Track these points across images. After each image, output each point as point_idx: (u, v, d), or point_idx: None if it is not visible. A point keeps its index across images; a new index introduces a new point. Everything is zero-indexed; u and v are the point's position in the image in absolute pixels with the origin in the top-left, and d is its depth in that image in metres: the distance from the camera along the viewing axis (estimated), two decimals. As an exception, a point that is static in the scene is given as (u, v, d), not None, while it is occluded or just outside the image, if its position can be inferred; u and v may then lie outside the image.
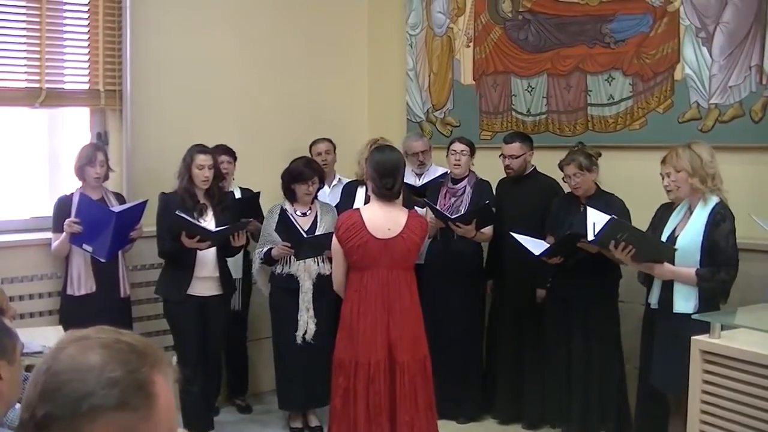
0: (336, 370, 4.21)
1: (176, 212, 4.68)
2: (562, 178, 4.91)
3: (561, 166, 4.87)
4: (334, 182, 5.93)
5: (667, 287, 4.13)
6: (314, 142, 5.98)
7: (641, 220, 4.51)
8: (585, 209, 4.67)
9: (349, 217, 4.17)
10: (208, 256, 4.92)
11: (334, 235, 4.21)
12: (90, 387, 1.20)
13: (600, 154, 4.86)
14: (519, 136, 5.33)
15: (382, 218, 4.08)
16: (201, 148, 4.94)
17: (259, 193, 5.47)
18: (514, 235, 4.80)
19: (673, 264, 4.09)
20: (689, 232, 4.06)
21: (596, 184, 4.86)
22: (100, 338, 1.27)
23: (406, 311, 4.13)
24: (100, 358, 1.23)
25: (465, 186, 5.39)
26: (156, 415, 1.24)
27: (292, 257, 5.06)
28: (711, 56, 4.72)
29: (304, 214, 5.19)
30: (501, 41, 5.87)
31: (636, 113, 5.10)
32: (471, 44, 6.08)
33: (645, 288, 4.41)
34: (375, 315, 4.09)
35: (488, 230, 5.25)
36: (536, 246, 4.76)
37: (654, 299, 4.24)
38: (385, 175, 4.08)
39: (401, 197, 4.25)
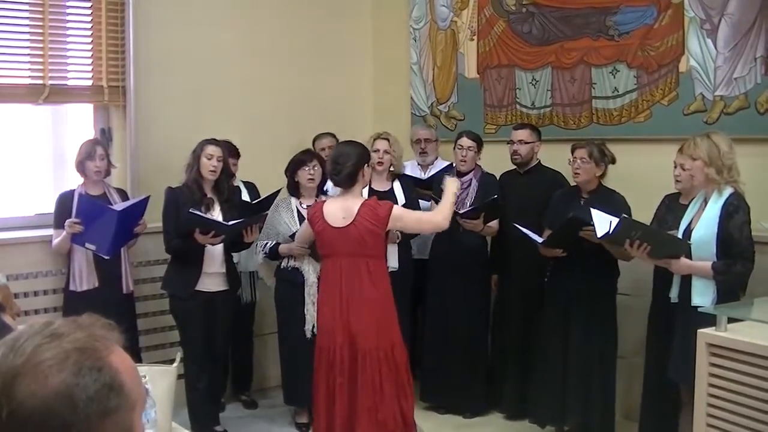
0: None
1: (190, 210, 4.66)
2: (568, 161, 4.87)
3: (573, 148, 4.85)
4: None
5: (686, 281, 4.09)
6: (317, 138, 5.98)
7: (646, 213, 4.50)
8: (585, 204, 4.66)
9: (314, 206, 4.44)
10: (215, 251, 4.90)
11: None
12: (69, 418, 1.12)
13: (614, 161, 4.81)
14: (529, 125, 5.41)
15: (338, 207, 4.28)
16: (211, 140, 4.94)
17: (279, 190, 5.44)
18: (518, 225, 4.79)
19: (690, 258, 4.07)
20: (703, 225, 4.03)
21: (599, 180, 4.83)
22: (46, 361, 1.14)
23: (366, 299, 4.23)
24: (60, 382, 1.12)
25: (471, 179, 5.38)
26: (131, 391, 1.19)
27: None
28: (716, 48, 4.69)
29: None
30: (505, 34, 5.85)
31: (641, 106, 5.09)
32: (475, 38, 6.07)
33: (650, 282, 4.39)
34: (333, 302, 4.24)
35: (494, 224, 5.24)
36: (537, 237, 4.75)
37: (674, 293, 4.20)
38: (333, 162, 4.31)
39: (359, 188, 4.38)
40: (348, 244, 4.22)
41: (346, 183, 4.28)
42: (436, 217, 4.46)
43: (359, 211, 4.22)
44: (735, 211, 3.96)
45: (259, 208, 5.25)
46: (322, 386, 4.24)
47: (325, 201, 4.44)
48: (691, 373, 3.84)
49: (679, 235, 4.14)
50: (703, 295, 4.01)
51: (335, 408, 4.20)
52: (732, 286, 4.02)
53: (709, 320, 3.63)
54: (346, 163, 4.25)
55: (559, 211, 4.87)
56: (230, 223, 4.75)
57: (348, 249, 4.23)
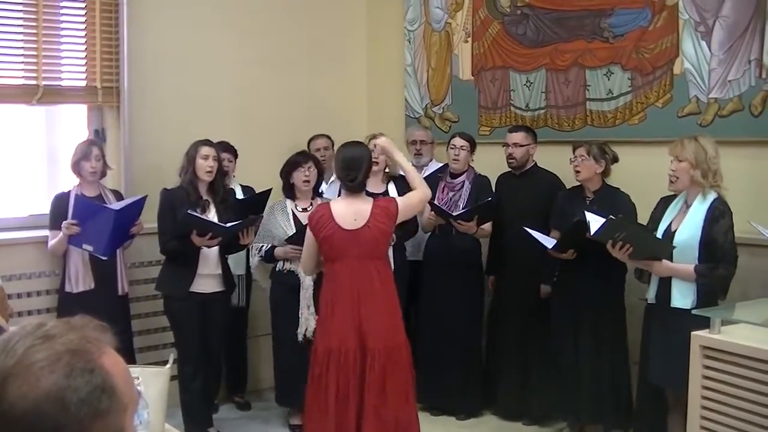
0: (312, 360, 4.30)
1: (187, 212, 4.65)
2: (570, 160, 4.86)
3: (574, 147, 4.85)
4: (333, 178, 5.91)
5: (665, 283, 4.11)
6: (312, 138, 5.99)
7: (641, 215, 4.50)
8: (590, 204, 4.65)
9: (319, 209, 4.34)
10: (210, 253, 4.89)
11: (307, 226, 4.36)
12: (60, 420, 1.11)
13: (617, 160, 4.80)
14: (524, 128, 5.39)
15: (349, 210, 4.22)
16: (205, 141, 4.93)
17: (270, 189, 5.44)
18: (527, 229, 4.76)
19: (671, 260, 4.07)
20: (687, 228, 4.04)
21: (603, 180, 4.82)
22: (37, 362, 1.13)
23: (377, 300, 4.22)
24: (51, 384, 1.12)
25: (464, 181, 5.39)
26: (123, 394, 1.18)
27: None
28: (710, 50, 4.70)
29: (305, 210, 5.17)
30: (499, 36, 5.86)
31: (635, 108, 5.09)
32: (469, 39, 6.07)
33: (645, 284, 4.39)
34: (346, 304, 4.20)
35: (487, 226, 5.25)
36: (547, 241, 4.74)
37: (651, 294, 4.22)
38: (346, 168, 4.23)
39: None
40: (360, 247, 4.17)
41: (360, 188, 4.27)
42: (419, 192, 4.42)
43: (372, 212, 4.19)
44: (721, 216, 3.97)
45: (250, 207, 5.25)
46: (332, 388, 4.18)
47: (329, 203, 4.38)
48: (673, 375, 3.84)
49: (658, 236, 4.16)
50: (683, 297, 4.02)
51: (348, 408, 4.17)
52: (713, 289, 4.03)
53: (688, 322, 3.64)
54: (360, 169, 4.21)
55: (565, 211, 4.86)
56: (228, 224, 4.75)
57: (359, 251, 4.18)
